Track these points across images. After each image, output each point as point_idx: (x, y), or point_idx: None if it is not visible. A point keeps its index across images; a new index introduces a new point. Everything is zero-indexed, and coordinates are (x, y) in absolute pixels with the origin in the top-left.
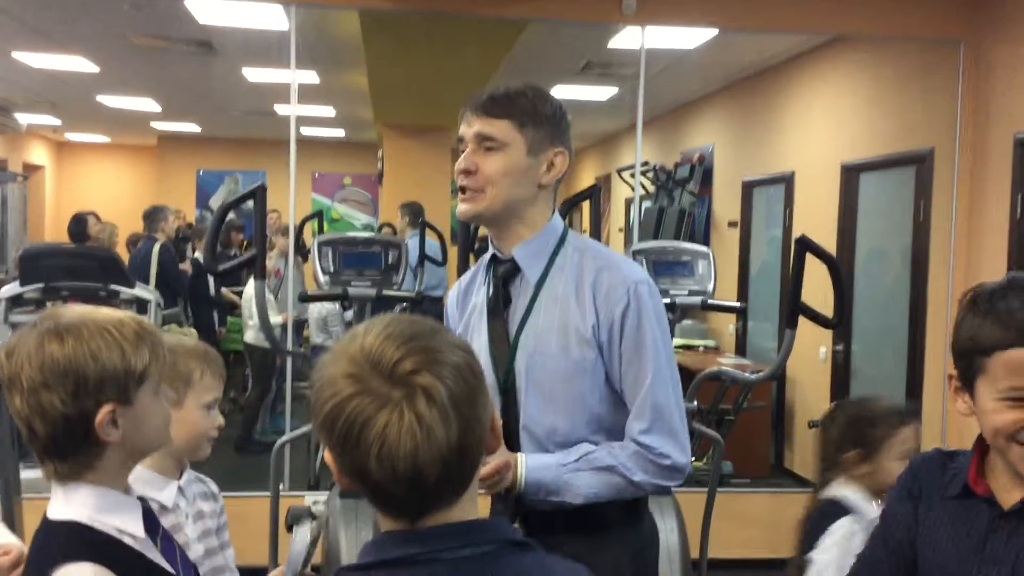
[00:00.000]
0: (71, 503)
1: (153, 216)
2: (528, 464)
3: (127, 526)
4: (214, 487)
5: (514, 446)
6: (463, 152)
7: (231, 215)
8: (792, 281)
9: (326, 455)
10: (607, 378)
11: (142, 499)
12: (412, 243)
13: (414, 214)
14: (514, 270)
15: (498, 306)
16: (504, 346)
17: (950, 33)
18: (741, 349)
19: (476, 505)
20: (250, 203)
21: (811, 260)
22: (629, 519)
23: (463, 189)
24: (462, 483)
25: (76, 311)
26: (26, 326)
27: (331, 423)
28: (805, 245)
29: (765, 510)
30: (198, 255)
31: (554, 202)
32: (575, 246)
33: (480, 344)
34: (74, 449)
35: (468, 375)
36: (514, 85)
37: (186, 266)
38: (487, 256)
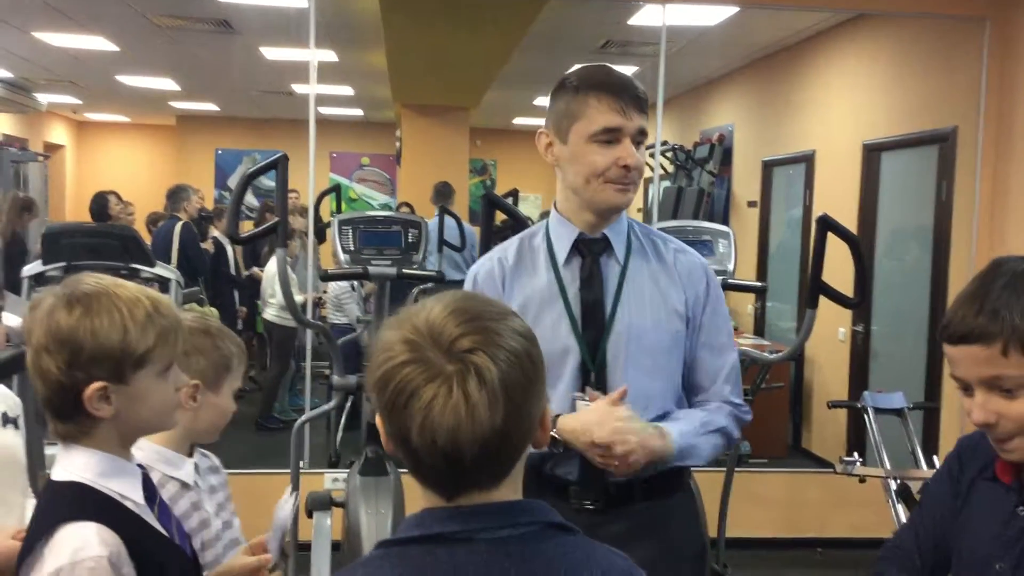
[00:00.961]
0: (74, 464)
1: (176, 195)
2: (675, 432)
3: (127, 491)
4: (216, 459)
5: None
6: (603, 142)
7: (254, 194)
8: (813, 260)
9: (377, 417)
10: (687, 350)
11: (141, 466)
12: (446, 224)
13: (439, 195)
14: (603, 250)
15: (594, 284)
16: (599, 322)
17: (975, 11)
18: (760, 329)
19: (519, 491)
20: (270, 183)
21: (832, 240)
22: (688, 481)
23: (622, 181)
24: (501, 468)
25: (98, 282)
26: (54, 287)
27: (383, 385)
28: (827, 224)
29: (783, 490)
30: (218, 234)
31: None
32: (639, 229)
33: (560, 331)
34: (68, 414)
35: (526, 363)
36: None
37: (208, 245)
38: (541, 237)
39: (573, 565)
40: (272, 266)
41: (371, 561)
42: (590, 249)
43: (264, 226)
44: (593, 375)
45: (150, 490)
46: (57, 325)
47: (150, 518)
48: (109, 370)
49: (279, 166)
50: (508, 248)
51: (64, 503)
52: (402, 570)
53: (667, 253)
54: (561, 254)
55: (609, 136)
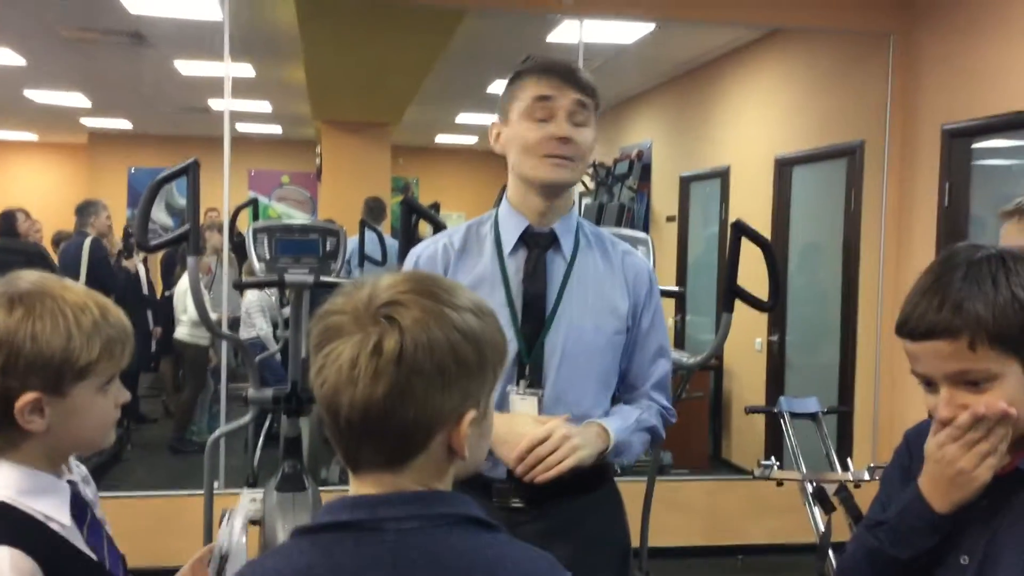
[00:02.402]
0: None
1: (85, 210)
2: (612, 427)
3: (52, 512)
4: (85, 470)
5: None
6: (535, 118)
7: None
8: (728, 265)
9: None
10: (623, 351)
11: (72, 483)
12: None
13: (370, 210)
14: (550, 244)
15: (537, 278)
16: (539, 316)
17: (880, 26)
18: (679, 342)
19: (439, 483)
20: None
21: (747, 247)
22: (610, 476)
23: (558, 156)
24: (393, 450)
25: (42, 280)
26: None
27: (314, 326)
28: (741, 229)
29: (703, 498)
30: (126, 263)
31: None
32: (588, 228)
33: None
34: None
35: (446, 357)
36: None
37: (130, 264)
38: (489, 227)
39: (486, 562)
40: (183, 283)
41: (282, 548)
42: (537, 242)
43: (175, 233)
44: (528, 369)
45: (79, 508)
46: None
47: (77, 540)
48: (46, 380)
49: (190, 172)
50: (454, 234)
51: None
52: (310, 558)
53: (615, 254)
54: (508, 244)
55: (543, 111)
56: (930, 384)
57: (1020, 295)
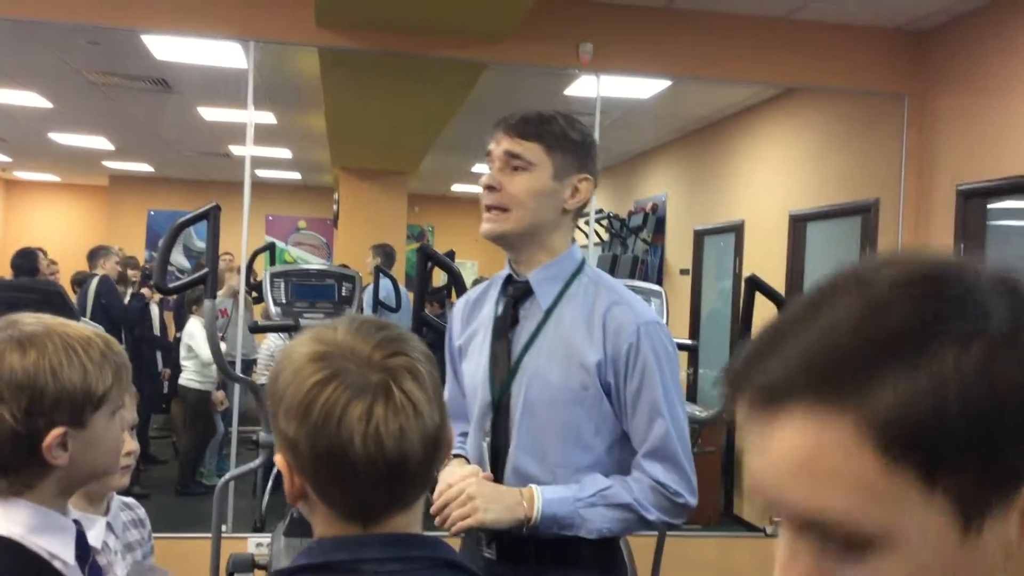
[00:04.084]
0: (7, 518)
1: (95, 255)
2: (545, 496)
3: (58, 550)
4: (142, 512)
5: (501, 467)
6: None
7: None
8: (742, 319)
9: (278, 459)
10: (613, 414)
11: (77, 522)
12: (382, 285)
13: (386, 256)
14: (526, 293)
15: (505, 325)
16: (505, 365)
17: (895, 87)
18: (692, 396)
19: (418, 524)
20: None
21: (761, 301)
22: (603, 557)
23: (487, 207)
24: (428, 478)
25: (40, 321)
26: None
27: (306, 409)
28: (755, 284)
29: (714, 555)
30: (144, 291)
31: (573, 230)
32: (590, 277)
33: (480, 362)
34: (17, 466)
35: (435, 370)
36: (546, 110)
37: (150, 294)
38: (502, 275)
39: None
40: (190, 327)
41: None
42: (513, 292)
43: (193, 276)
44: (492, 415)
45: (83, 549)
46: (11, 369)
47: None
48: (70, 414)
49: (210, 216)
50: (482, 283)
51: None
52: None
53: (600, 305)
54: (498, 293)
55: (487, 164)
56: None
57: None
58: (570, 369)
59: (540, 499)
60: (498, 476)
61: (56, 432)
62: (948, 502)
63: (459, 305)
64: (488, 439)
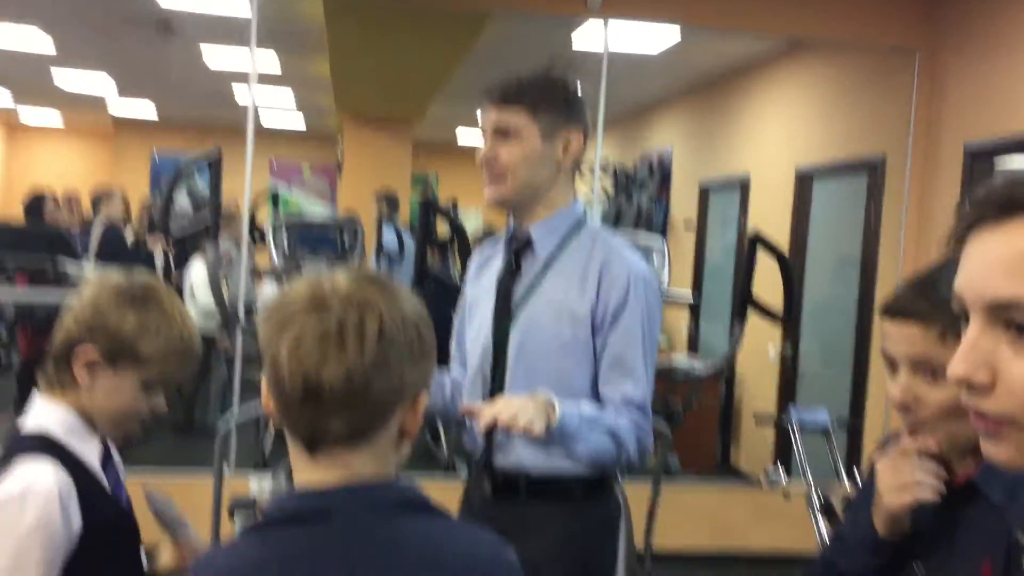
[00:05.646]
0: (48, 416)
1: (100, 200)
2: (562, 409)
3: (86, 454)
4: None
5: None
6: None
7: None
8: (743, 275)
9: (264, 382)
10: (595, 360)
11: (103, 440)
12: (385, 234)
13: (390, 204)
14: (527, 244)
15: (507, 275)
16: (506, 312)
17: (906, 42)
18: (694, 348)
19: (388, 466)
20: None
21: (763, 259)
22: (594, 495)
23: (487, 177)
24: (361, 421)
25: (156, 288)
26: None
27: (264, 320)
28: (758, 240)
29: (710, 504)
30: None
31: (572, 183)
32: (591, 232)
33: (486, 313)
34: (61, 367)
35: (412, 333)
36: (528, 71)
37: (155, 240)
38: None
39: (433, 546)
40: (192, 270)
41: (235, 545)
42: (517, 244)
43: (196, 222)
44: (492, 358)
45: (108, 460)
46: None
47: (103, 479)
48: (106, 347)
49: (212, 162)
50: (494, 238)
51: (27, 445)
52: (261, 552)
53: (597, 256)
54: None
55: (483, 136)
56: (893, 367)
57: None
58: (561, 319)
59: (558, 408)
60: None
61: (86, 347)
62: None
63: (475, 257)
64: (488, 382)
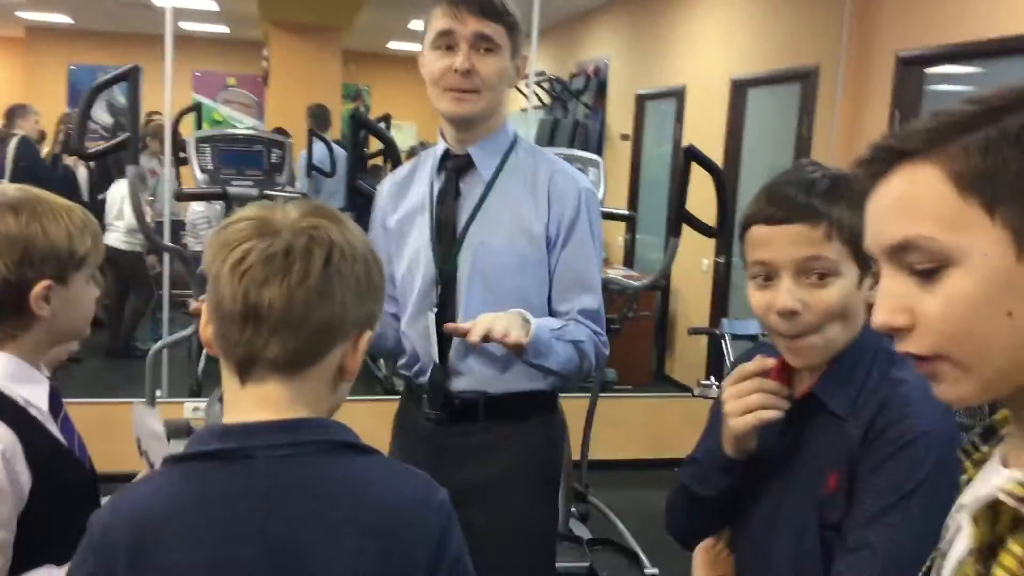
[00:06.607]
0: None
1: (14, 113)
2: (536, 321)
3: (33, 398)
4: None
5: (449, 338)
6: (442, 48)
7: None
8: (677, 190)
9: (203, 306)
10: (549, 277)
11: (50, 379)
12: (316, 149)
13: (319, 118)
14: (467, 165)
15: (449, 198)
16: (450, 238)
17: None
18: (629, 261)
19: (320, 407)
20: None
21: (697, 172)
22: (546, 409)
23: (460, 90)
24: (298, 350)
25: (25, 190)
26: None
27: (214, 235)
28: (691, 154)
29: (645, 414)
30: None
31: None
32: (525, 149)
33: (421, 241)
34: (4, 316)
35: (360, 267)
36: None
37: (73, 161)
38: (433, 152)
39: (357, 485)
40: (117, 188)
41: (153, 478)
42: (454, 165)
43: (114, 141)
44: (440, 288)
45: (56, 402)
46: (6, 226)
47: (52, 428)
48: (55, 269)
49: (130, 78)
50: (407, 164)
51: None
52: (180, 488)
53: (543, 173)
54: (434, 169)
55: (445, 41)
56: (768, 278)
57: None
58: (515, 237)
59: (533, 323)
60: (445, 347)
61: (43, 283)
62: (1005, 229)
63: (385, 187)
64: (434, 311)
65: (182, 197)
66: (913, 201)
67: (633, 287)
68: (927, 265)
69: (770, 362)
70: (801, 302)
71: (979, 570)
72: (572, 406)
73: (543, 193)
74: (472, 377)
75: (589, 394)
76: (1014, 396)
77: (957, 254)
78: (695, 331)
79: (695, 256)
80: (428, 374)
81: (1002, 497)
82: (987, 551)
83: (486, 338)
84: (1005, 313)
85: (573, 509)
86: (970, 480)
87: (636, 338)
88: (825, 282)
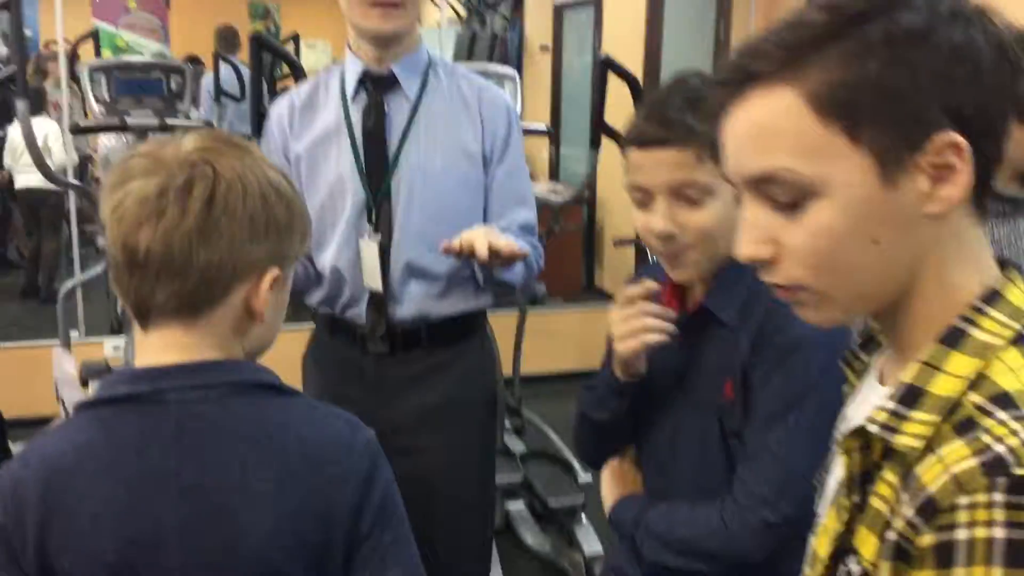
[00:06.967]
0: None
1: None
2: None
3: None
4: None
5: (385, 265)
6: None
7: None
8: (595, 102)
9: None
10: (484, 194)
11: None
12: (224, 72)
13: (226, 40)
14: (390, 85)
15: (378, 121)
16: (380, 162)
17: None
18: (555, 174)
19: (232, 348)
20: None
21: (616, 82)
22: (481, 329)
23: (384, 3)
24: (189, 294)
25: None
26: None
27: (107, 180)
28: (607, 64)
29: (575, 326)
30: None
31: None
32: (443, 68)
33: (343, 166)
34: None
35: (256, 205)
36: None
37: None
38: (338, 72)
39: (274, 427)
40: (39, 126)
41: (65, 425)
42: (376, 85)
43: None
44: (374, 213)
45: None
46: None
47: None
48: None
49: (11, 4)
50: (303, 87)
51: None
52: (91, 434)
53: (470, 92)
54: (349, 90)
55: None
56: (644, 203)
57: None
58: (453, 156)
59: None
60: (386, 272)
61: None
62: (869, 155)
63: (282, 111)
64: (375, 238)
65: (78, 130)
66: (770, 130)
67: (557, 201)
68: (789, 197)
69: (653, 285)
70: (677, 224)
71: (854, 500)
72: (501, 322)
73: (475, 111)
74: (412, 303)
75: (518, 310)
76: (880, 313)
77: (820, 185)
78: (620, 242)
79: (620, 167)
80: (361, 306)
81: (868, 427)
82: (862, 478)
83: (495, 253)
84: (871, 241)
85: (507, 424)
86: (853, 388)
87: (564, 252)
88: (699, 203)
